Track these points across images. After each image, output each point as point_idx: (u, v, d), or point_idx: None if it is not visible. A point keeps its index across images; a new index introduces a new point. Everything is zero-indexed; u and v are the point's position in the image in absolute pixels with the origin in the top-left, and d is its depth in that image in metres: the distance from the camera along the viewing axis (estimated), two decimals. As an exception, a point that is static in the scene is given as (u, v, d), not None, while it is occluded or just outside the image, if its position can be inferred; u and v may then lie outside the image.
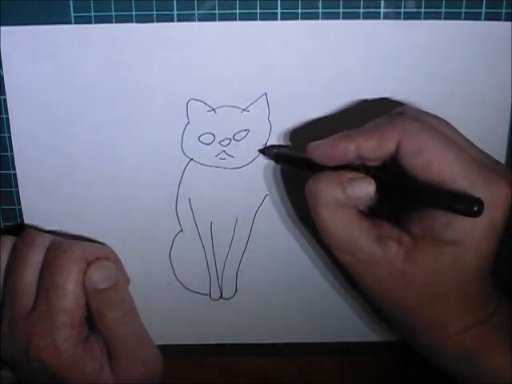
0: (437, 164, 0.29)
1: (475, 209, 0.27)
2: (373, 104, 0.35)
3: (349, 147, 0.30)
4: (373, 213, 0.32)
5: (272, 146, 0.35)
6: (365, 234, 0.31)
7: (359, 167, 0.30)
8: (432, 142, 0.29)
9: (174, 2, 0.33)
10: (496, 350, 0.31)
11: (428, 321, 0.32)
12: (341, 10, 0.34)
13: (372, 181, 0.30)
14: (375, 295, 0.32)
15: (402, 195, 0.30)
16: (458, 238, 0.29)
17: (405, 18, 0.34)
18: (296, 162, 0.33)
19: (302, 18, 0.34)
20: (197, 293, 0.38)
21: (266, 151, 0.35)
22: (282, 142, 0.36)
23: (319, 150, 0.31)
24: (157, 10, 0.34)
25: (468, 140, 0.31)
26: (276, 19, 0.34)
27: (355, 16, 0.34)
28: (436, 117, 0.31)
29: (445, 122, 0.31)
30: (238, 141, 0.36)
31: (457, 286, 0.30)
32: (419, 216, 0.30)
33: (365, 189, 0.30)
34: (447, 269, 0.30)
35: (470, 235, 0.29)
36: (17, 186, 0.36)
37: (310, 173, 0.31)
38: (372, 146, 0.30)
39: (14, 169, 0.36)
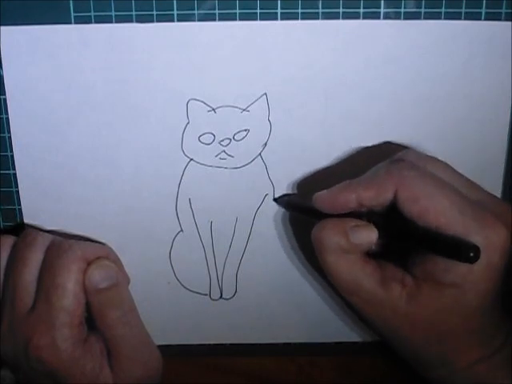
0: (432, 211, 0.30)
1: (471, 255, 0.28)
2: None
3: (350, 197, 0.31)
4: (379, 254, 0.33)
5: (284, 195, 0.36)
6: (369, 276, 0.32)
7: (363, 214, 0.32)
8: (427, 191, 0.30)
9: (174, 2, 0.33)
10: (506, 382, 0.32)
11: (435, 357, 0.33)
12: (341, 10, 0.34)
13: (374, 228, 0.31)
14: (382, 333, 0.34)
15: (402, 241, 0.31)
16: (457, 282, 0.30)
17: (405, 18, 0.34)
18: (304, 209, 0.34)
19: (302, 18, 0.34)
20: (197, 293, 0.38)
21: (278, 200, 0.37)
22: (281, 143, 0.36)
23: (323, 201, 0.32)
24: (157, 10, 0.34)
25: (466, 180, 0.32)
26: (276, 19, 0.34)
27: (355, 16, 0.34)
28: (435, 160, 0.33)
29: (443, 165, 0.32)
30: (237, 141, 0.36)
31: (460, 324, 0.31)
32: (421, 259, 0.31)
33: (367, 236, 0.31)
34: (449, 310, 0.31)
35: (469, 278, 0.30)
36: (17, 186, 0.36)
37: (318, 220, 0.33)
38: (371, 195, 0.31)
39: (14, 169, 0.36)
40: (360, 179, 0.32)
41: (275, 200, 0.37)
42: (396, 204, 0.31)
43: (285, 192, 0.37)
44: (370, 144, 0.36)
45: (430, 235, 0.30)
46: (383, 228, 0.31)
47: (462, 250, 0.28)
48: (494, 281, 0.30)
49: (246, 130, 0.35)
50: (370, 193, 0.31)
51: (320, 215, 0.32)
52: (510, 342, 0.33)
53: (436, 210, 0.30)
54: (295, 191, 0.37)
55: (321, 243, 0.32)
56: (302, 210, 0.35)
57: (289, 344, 0.40)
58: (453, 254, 0.29)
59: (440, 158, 0.35)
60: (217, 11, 0.34)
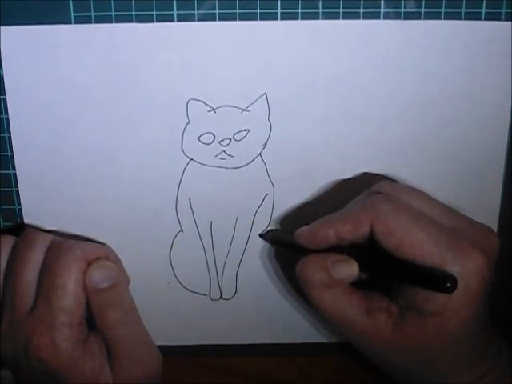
0: (408, 244, 0.30)
1: (448, 285, 0.29)
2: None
3: (329, 232, 0.32)
4: (365, 283, 0.33)
5: (269, 231, 0.37)
6: (354, 308, 0.32)
7: (344, 248, 0.32)
8: (402, 223, 0.31)
9: (174, 2, 0.33)
10: None
11: (426, 381, 0.33)
12: (341, 10, 0.34)
13: (354, 262, 0.32)
14: (372, 359, 0.35)
15: (382, 273, 0.32)
16: (437, 310, 0.30)
17: (405, 18, 0.34)
18: (289, 245, 0.35)
19: (302, 18, 0.34)
20: (197, 293, 0.38)
21: (263, 236, 0.37)
22: (281, 143, 0.36)
23: (304, 237, 0.33)
24: (157, 10, 0.34)
25: (443, 206, 0.33)
26: (276, 19, 0.34)
27: (355, 16, 0.34)
28: (410, 190, 0.34)
29: (419, 194, 0.33)
30: (237, 141, 0.36)
31: (446, 350, 0.32)
32: (402, 289, 0.32)
33: (348, 270, 0.32)
34: (433, 337, 0.31)
35: (449, 306, 0.30)
36: (17, 185, 0.36)
37: (302, 255, 0.33)
38: (348, 230, 0.32)
39: (14, 169, 0.36)
40: (337, 214, 0.33)
41: (261, 236, 0.37)
42: (373, 237, 0.31)
43: (285, 193, 0.37)
44: (369, 145, 0.36)
45: (407, 267, 0.30)
46: (364, 261, 0.32)
47: (438, 281, 0.29)
48: (474, 306, 0.31)
49: (246, 130, 0.35)
50: (347, 228, 0.32)
51: (304, 250, 0.33)
52: (501, 360, 0.33)
53: (411, 243, 0.30)
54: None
55: (304, 279, 0.33)
56: (287, 245, 0.35)
57: (289, 344, 0.40)
58: (430, 285, 0.29)
59: (440, 158, 0.36)
60: (217, 11, 0.34)
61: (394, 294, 0.32)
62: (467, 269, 0.30)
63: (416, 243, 0.30)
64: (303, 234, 0.33)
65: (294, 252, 0.34)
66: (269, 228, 0.37)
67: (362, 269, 0.32)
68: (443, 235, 0.30)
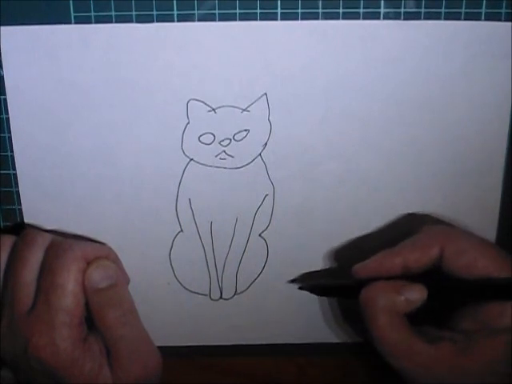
0: (482, 261, 0.32)
1: None
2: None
3: (395, 261, 0.33)
4: (417, 320, 0.33)
5: (306, 278, 0.37)
6: (418, 338, 0.32)
7: (402, 277, 0.33)
8: (473, 243, 0.32)
9: (174, 2, 0.33)
10: None
11: None
12: (341, 10, 0.34)
13: (423, 287, 0.32)
14: None
15: (451, 297, 0.32)
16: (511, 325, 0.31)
17: (405, 18, 0.34)
18: (333, 288, 0.35)
19: (302, 18, 0.34)
20: (197, 293, 0.38)
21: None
22: (281, 143, 0.36)
23: (367, 269, 0.33)
24: (157, 10, 0.34)
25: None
26: (276, 19, 0.34)
27: (355, 16, 0.34)
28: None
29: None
30: (237, 141, 0.36)
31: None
32: (469, 311, 0.32)
33: (419, 293, 0.32)
34: (504, 357, 0.31)
35: None
36: (17, 185, 0.36)
37: (346, 298, 0.34)
38: (417, 256, 0.33)
39: (14, 169, 0.36)
40: (403, 244, 0.33)
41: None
42: (441, 262, 0.32)
43: (285, 193, 0.37)
44: (369, 145, 0.36)
45: (481, 283, 0.31)
46: (432, 286, 0.32)
47: None
48: None
49: (246, 130, 0.35)
50: (416, 254, 0.32)
51: (351, 293, 0.33)
52: None
53: (485, 260, 0.31)
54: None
55: (373, 304, 0.32)
56: (330, 288, 0.35)
57: (289, 344, 0.39)
58: (509, 294, 0.30)
59: (440, 158, 0.36)
60: (217, 11, 0.34)
61: (456, 320, 0.33)
62: None
63: (490, 260, 0.31)
64: (366, 266, 0.33)
65: (337, 296, 0.34)
66: (269, 229, 0.37)
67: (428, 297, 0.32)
68: (504, 252, 0.32)
